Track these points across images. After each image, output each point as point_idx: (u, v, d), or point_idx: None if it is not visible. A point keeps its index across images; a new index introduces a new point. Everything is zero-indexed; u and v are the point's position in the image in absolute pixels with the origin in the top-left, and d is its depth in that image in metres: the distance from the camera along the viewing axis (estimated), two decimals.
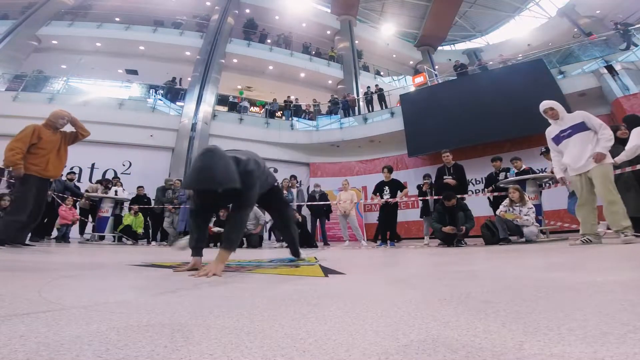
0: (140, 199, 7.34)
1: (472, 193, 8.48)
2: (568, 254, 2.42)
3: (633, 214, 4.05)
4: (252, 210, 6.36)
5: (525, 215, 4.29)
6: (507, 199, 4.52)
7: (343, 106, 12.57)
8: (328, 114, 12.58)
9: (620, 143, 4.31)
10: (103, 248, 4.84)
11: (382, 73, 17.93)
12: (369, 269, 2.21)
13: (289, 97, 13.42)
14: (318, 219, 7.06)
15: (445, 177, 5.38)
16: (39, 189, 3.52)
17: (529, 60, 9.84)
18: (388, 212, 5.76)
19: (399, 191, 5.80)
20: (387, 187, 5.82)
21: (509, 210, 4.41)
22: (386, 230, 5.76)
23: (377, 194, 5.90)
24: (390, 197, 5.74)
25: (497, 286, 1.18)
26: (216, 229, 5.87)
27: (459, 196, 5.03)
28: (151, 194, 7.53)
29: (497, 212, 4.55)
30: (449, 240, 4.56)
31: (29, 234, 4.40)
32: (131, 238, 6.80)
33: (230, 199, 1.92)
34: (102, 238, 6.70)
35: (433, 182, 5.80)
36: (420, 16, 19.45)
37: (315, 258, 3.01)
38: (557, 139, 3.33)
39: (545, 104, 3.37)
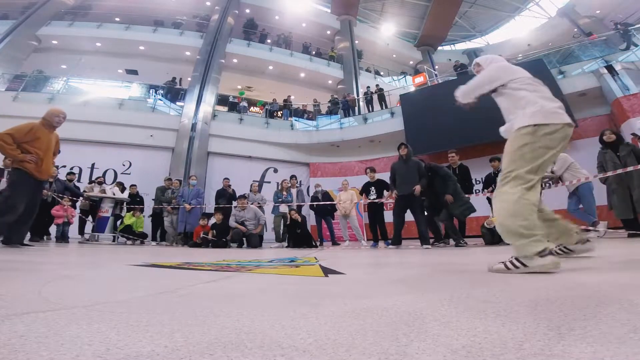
0: (132, 197, 7.32)
1: (472, 193, 8.47)
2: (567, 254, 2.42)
3: (620, 216, 4.10)
4: (253, 210, 6.35)
5: None
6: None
7: (343, 106, 12.57)
8: (328, 114, 12.58)
9: (608, 147, 4.34)
10: (102, 248, 4.84)
11: (382, 73, 17.93)
12: (369, 269, 2.21)
13: (289, 97, 13.44)
14: (323, 219, 7.07)
15: None
16: (35, 189, 3.48)
17: (529, 60, 9.83)
18: (375, 212, 5.83)
19: (385, 191, 5.85)
20: (373, 188, 5.91)
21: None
22: (376, 230, 5.84)
23: (364, 194, 6.02)
24: (377, 197, 5.80)
25: (497, 286, 1.18)
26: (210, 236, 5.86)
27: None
28: (151, 194, 7.54)
29: (485, 222, 4.56)
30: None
31: (28, 234, 4.37)
32: (136, 238, 6.81)
33: None
34: (113, 239, 6.66)
35: None
36: (420, 16, 19.44)
37: (315, 258, 3.01)
38: None
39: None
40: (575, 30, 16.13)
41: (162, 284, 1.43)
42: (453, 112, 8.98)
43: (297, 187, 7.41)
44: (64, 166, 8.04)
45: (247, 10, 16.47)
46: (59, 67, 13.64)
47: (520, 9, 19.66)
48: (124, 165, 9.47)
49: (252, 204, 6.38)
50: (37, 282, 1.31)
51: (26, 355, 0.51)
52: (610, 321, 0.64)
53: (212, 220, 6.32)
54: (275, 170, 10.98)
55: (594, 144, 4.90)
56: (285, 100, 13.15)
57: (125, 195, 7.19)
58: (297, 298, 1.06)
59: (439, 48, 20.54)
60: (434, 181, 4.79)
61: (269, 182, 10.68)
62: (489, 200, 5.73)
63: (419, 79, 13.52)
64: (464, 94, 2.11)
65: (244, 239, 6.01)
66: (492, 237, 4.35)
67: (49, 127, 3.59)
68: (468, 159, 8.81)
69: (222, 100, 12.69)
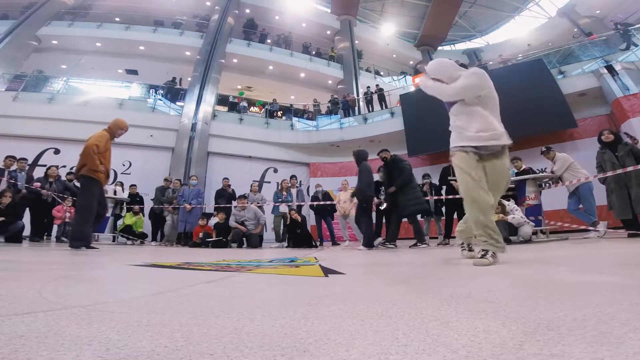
0: (132, 197, 7.32)
1: None
2: (567, 254, 2.42)
3: (619, 216, 4.11)
4: (252, 210, 6.35)
5: (512, 215, 4.32)
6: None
7: (343, 106, 12.57)
8: (328, 114, 12.58)
9: (607, 147, 4.34)
10: (102, 248, 4.84)
11: (382, 73, 17.92)
12: (369, 269, 2.21)
13: (291, 105, 13.48)
14: (323, 219, 7.07)
15: (449, 177, 5.36)
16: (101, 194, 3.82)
17: (529, 61, 9.83)
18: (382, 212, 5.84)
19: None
20: (382, 188, 5.88)
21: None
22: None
23: None
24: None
25: (497, 286, 1.18)
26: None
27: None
28: (151, 194, 7.53)
29: None
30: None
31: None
32: (136, 238, 6.80)
33: None
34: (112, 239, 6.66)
35: (437, 181, 5.81)
36: (420, 16, 19.44)
37: (315, 258, 3.01)
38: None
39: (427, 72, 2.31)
40: (575, 30, 16.12)
41: (162, 284, 1.43)
42: None
43: (297, 187, 7.41)
44: (64, 166, 8.03)
45: (247, 10, 16.47)
46: (59, 67, 13.63)
47: (520, 9, 19.66)
48: (124, 165, 9.46)
49: (252, 204, 6.38)
50: (37, 282, 1.31)
51: (26, 355, 0.51)
52: (610, 321, 0.64)
53: (213, 220, 6.32)
54: (275, 170, 10.98)
55: (593, 143, 4.89)
56: (289, 104, 13.22)
57: (125, 195, 7.20)
58: (297, 298, 1.06)
59: (439, 48, 20.53)
60: (393, 172, 4.84)
61: (269, 182, 10.68)
62: None
63: (419, 79, 13.50)
64: (440, 91, 2.20)
65: (244, 239, 6.01)
66: None
67: (111, 137, 3.84)
68: None
69: (222, 100, 12.69)
